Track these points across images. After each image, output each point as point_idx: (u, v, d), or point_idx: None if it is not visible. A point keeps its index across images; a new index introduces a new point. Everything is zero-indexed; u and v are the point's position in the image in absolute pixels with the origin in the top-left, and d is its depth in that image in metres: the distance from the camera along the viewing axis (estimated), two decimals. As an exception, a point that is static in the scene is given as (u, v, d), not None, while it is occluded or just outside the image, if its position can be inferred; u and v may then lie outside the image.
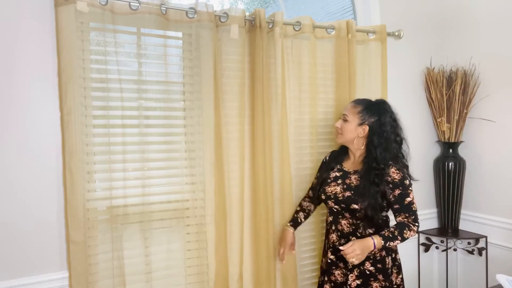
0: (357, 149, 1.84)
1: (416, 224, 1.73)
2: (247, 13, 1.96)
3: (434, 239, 2.60)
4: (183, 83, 1.91)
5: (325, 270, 1.90)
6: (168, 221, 1.88)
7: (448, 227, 2.54)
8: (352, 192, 1.77)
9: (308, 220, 2.21)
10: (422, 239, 2.61)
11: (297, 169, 2.15)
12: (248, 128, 2.00)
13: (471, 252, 2.52)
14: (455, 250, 2.55)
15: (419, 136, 2.60)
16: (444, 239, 2.52)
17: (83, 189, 1.69)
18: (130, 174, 1.80)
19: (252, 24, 1.97)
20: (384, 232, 1.70)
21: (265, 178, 1.99)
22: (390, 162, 1.75)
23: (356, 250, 1.64)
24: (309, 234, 2.23)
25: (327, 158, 2.02)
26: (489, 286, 2.38)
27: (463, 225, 2.58)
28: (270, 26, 2.01)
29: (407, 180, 1.75)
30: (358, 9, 2.51)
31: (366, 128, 1.79)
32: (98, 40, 1.77)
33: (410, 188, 1.75)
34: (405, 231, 1.70)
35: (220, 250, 1.93)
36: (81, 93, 1.68)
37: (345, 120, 1.83)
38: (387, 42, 2.33)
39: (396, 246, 1.79)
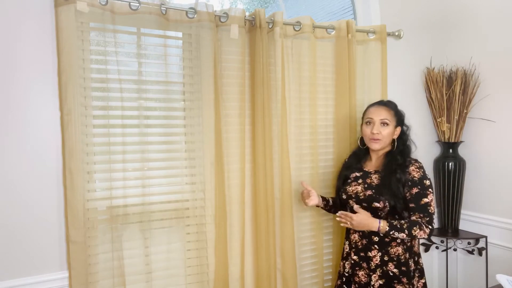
0: (384, 149, 1.86)
1: (430, 227, 1.69)
2: (247, 13, 1.96)
3: (434, 239, 2.60)
4: (183, 83, 1.91)
5: (348, 273, 1.87)
6: (168, 221, 1.88)
7: (448, 227, 2.54)
8: (374, 190, 1.77)
9: (308, 220, 2.21)
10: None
11: (297, 169, 2.15)
12: (248, 128, 2.00)
13: (471, 252, 2.52)
14: (455, 250, 2.55)
15: (419, 136, 2.57)
16: (444, 239, 2.52)
17: (83, 189, 1.69)
18: (130, 174, 1.80)
19: (252, 24, 1.97)
20: (393, 221, 1.69)
21: (265, 178, 1.99)
22: (410, 159, 1.78)
23: (352, 221, 1.68)
24: (309, 234, 2.22)
25: (347, 159, 2.03)
26: (489, 286, 2.38)
27: (463, 225, 2.58)
28: (270, 26, 2.01)
29: (428, 181, 1.74)
30: (358, 9, 2.51)
31: (399, 129, 1.85)
32: (98, 40, 1.77)
33: (430, 189, 1.73)
34: (414, 228, 1.67)
35: (220, 250, 1.93)
36: (81, 93, 1.68)
37: (386, 124, 1.81)
38: (387, 42, 2.33)
39: (410, 240, 1.74)
